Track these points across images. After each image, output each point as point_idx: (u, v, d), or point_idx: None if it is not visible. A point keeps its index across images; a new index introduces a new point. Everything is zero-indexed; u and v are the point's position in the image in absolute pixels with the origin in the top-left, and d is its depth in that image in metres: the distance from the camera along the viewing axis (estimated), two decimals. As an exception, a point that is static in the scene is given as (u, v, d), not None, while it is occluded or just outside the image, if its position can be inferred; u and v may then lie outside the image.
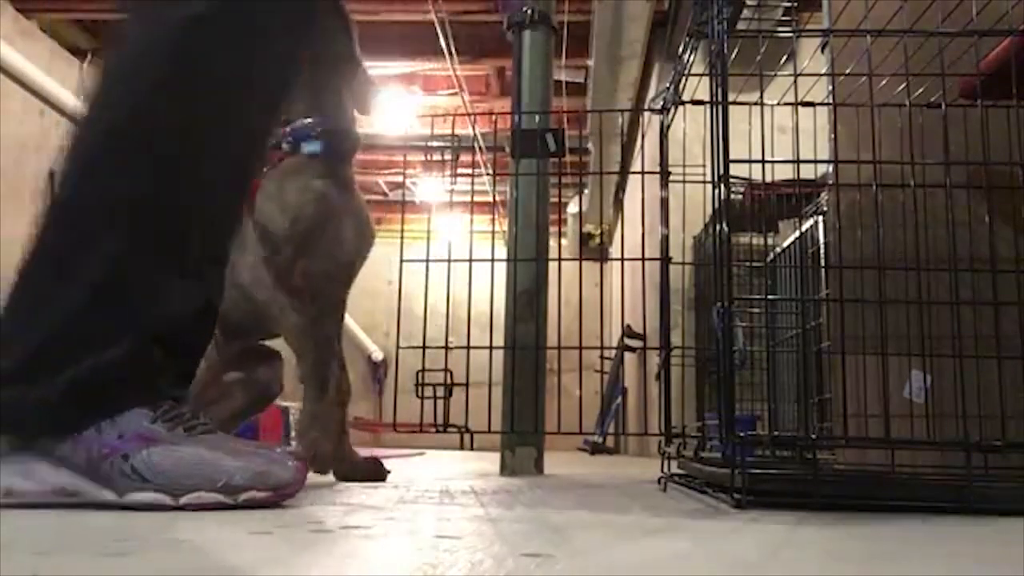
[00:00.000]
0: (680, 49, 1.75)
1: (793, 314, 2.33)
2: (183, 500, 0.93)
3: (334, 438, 1.69)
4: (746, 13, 2.57)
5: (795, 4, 1.71)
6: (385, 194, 9.75)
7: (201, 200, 1.07)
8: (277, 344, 1.87)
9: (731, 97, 1.26)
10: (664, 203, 2.04)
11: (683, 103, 1.86)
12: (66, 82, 6.09)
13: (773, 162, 1.31)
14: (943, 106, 1.41)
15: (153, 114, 1.07)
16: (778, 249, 2.69)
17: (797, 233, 2.49)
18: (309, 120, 1.71)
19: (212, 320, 1.08)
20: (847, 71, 1.58)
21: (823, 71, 1.69)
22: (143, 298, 1.00)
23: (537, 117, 2.47)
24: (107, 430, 0.94)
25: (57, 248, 1.05)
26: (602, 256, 9.10)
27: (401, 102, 7.12)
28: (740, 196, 2.62)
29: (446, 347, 2.03)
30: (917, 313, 1.42)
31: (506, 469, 2.38)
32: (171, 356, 1.01)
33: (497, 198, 2.49)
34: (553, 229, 2.60)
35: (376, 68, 6.80)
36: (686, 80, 1.79)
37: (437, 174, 2.23)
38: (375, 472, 1.75)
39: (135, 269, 1.01)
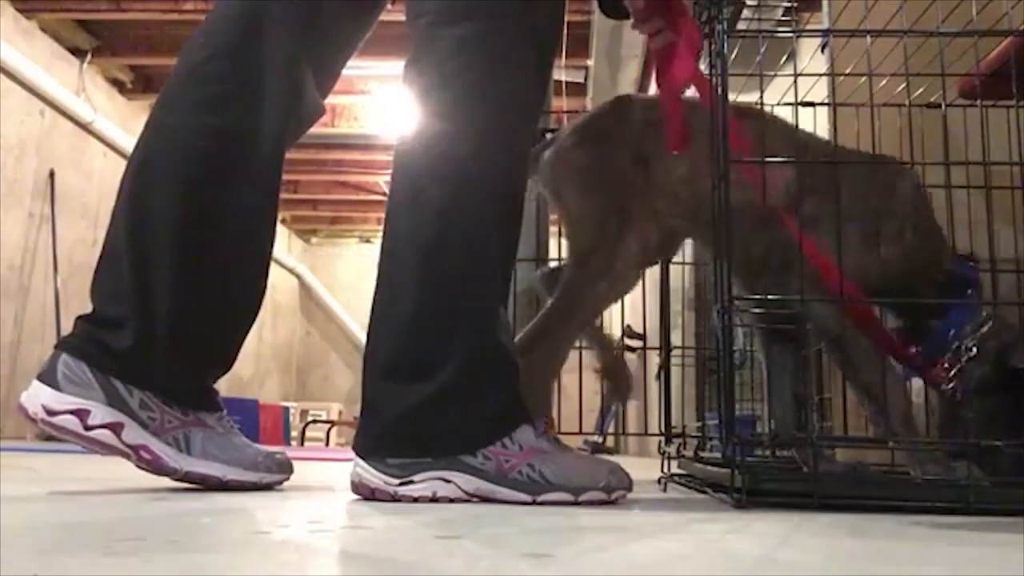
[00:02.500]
0: (680, 49, 1.74)
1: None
2: (582, 497, 1.11)
3: None
4: (746, 13, 2.56)
5: (795, 4, 1.71)
6: (385, 194, 9.76)
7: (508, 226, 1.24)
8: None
9: (731, 97, 1.26)
10: (664, 203, 2.04)
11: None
12: (66, 82, 6.10)
13: (773, 162, 1.31)
14: (943, 106, 1.41)
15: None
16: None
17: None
18: None
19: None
20: (847, 71, 1.58)
21: (823, 71, 1.69)
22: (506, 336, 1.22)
23: (537, 117, 2.47)
24: (510, 445, 1.14)
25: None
26: (602, 256, 9.09)
27: (401, 102, 7.11)
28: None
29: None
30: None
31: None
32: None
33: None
34: (553, 229, 2.60)
35: (376, 68, 6.81)
36: (686, 80, 1.79)
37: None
38: None
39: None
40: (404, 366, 1.16)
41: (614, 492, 1.13)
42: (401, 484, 1.13)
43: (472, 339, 1.16)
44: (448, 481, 1.13)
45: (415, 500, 1.12)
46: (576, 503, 1.11)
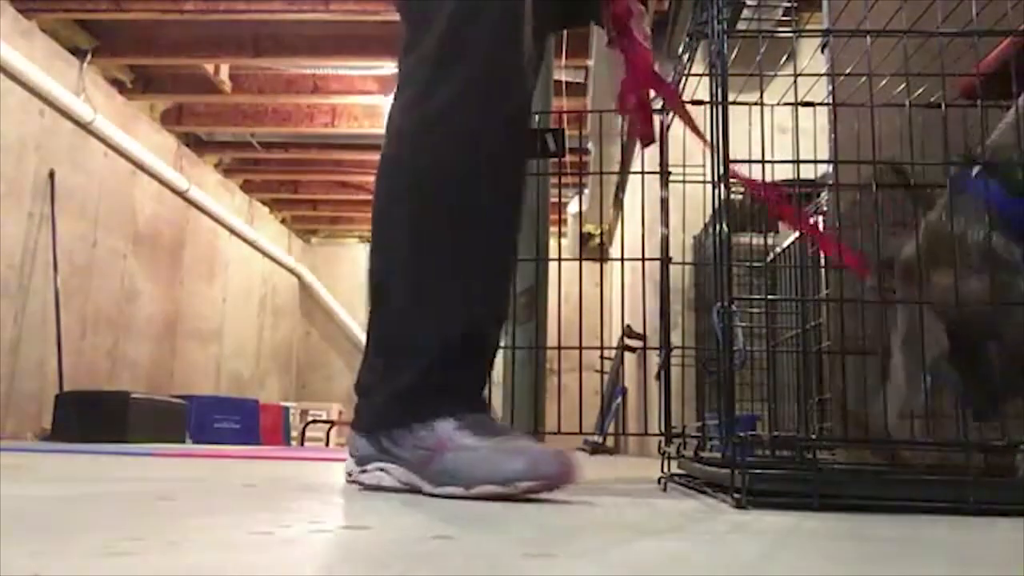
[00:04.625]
0: (680, 49, 1.75)
1: (793, 314, 2.34)
2: (473, 491, 1.13)
3: None
4: (746, 13, 2.57)
5: (795, 4, 1.71)
6: (385, 194, 9.74)
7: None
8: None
9: (731, 97, 1.26)
10: (664, 203, 2.04)
11: (683, 103, 1.86)
12: (66, 82, 6.10)
13: (773, 162, 1.31)
14: (943, 106, 1.41)
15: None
16: (778, 249, 2.69)
17: (797, 233, 2.49)
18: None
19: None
20: (847, 71, 1.58)
21: (823, 71, 1.69)
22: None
23: (537, 117, 2.47)
24: (428, 437, 1.20)
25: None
26: (602, 256, 9.10)
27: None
28: (740, 196, 2.62)
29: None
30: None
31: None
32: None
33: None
34: (553, 229, 2.60)
35: (377, 68, 6.81)
36: (686, 80, 1.79)
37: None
38: None
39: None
40: (366, 355, 1.33)
41: (512, 484, 1.11)
42: (361, 472, 1.28)
43: (390, 333, 1.29)
44: (389, 472, 1.24)
45: (365, 487, 1.28)
46: (467, 496, 1.13)
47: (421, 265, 1.29)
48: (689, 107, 1.84)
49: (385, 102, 7.20)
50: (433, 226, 1.29)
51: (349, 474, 1.32)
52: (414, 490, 1.21)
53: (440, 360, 1.25)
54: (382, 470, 1.26)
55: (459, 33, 1.29)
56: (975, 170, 1.34)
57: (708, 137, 1.28)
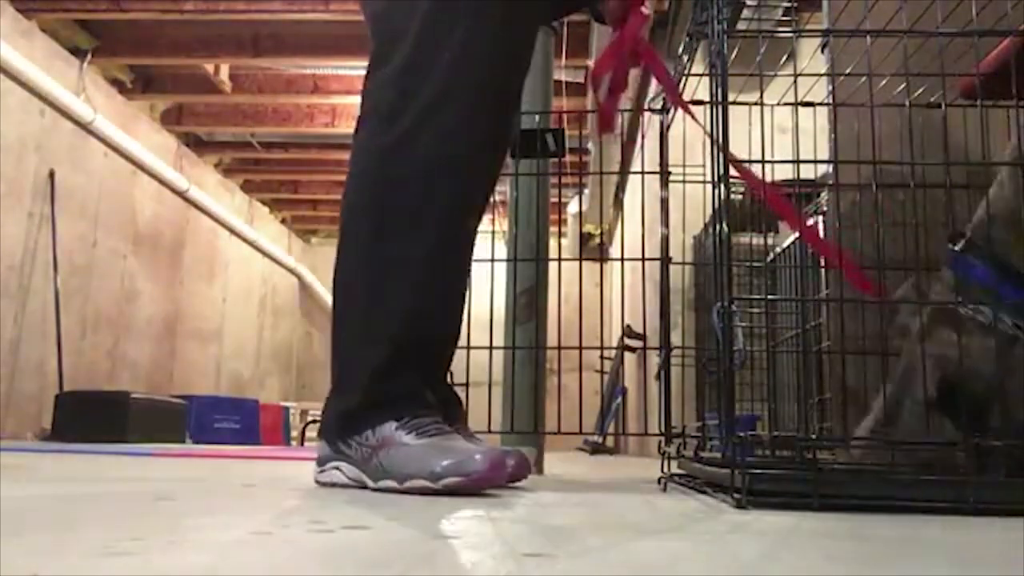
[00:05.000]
0: (680, 49, 1.75)
1: (793, 314, 2.34)
2: (405, 484, 1.22)
3: None
4: (746, 13, 2.57)
5: (795, 4, 1.71)
6: (385, 194, 9.74)
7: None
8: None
9: (731, 97, 1.26)
10: (664, 203, 2.04)
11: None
12: (66, 82, 6.10)
13: (773, 162, 1.31)
14: (943, 106, 1.41)
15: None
16: (778, 249, 2.69)
17: (797, 233, 2.49)
18: None
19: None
20: (847, 71, 1.58)
21: (823, 71, 1.69)
22: None
23: (537, 117, 2.47)
24: (371, 437, 1.29)
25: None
26: (602, 256, 9.10)
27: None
28: (740, 196, 2.62)
29: (446, 347, 2.03)
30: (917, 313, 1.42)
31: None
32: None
33: (497, 198, 2.49)
34: (553, 229, 2.60)
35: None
36: (686, 80, 1.79)
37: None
38: None
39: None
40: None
41: (441, 480, 1.19)
42: (320, 472, 1.39)
43: (346, 345, 1.39)
44: (341, 470, 1.33)
45: (322, 484, 1.37)
46: (400, 490, 1.22)
47: (373, 276, 1.38)
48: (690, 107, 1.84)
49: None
50: (387, 238, 1.37)
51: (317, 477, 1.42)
52: (362, 486, 1.30)
53: (385, 373, 1.33)
54: (336, 468, 1.36)
55: (428, 53, 1.35)
56: (959, 246, 1.38)
57: (703, 121, 1.29)
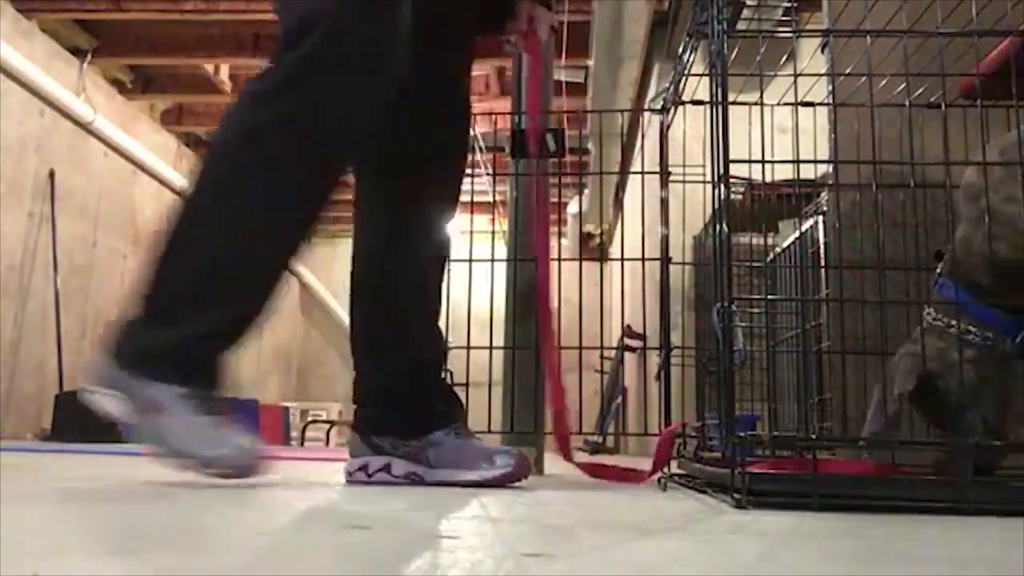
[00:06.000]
0: (680, 49, 1.75)
1: (793, 314, 2.34)
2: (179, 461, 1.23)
3: None
4: (746, 13, 2.57)
5: (795, 4, 1.71)
6: (385, 194, 9.74)
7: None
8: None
9: (731, 97, 1.26)
10: (664, 203, 2.04)
11: (683, 103, 1.86)
12: (66, 82, 6.10)
13: (773, 162, 1.31)
14: (943, 106, 1.41)
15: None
16: (778, 249, 2.69)
17: (797, 233, 2.49)
18: None
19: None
20: (847, 71, 1.58)
21: (823, 71, 1.69)
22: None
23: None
24: (157, 394, 1.24)
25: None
26: (602, 256, 9.10)
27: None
28: (740, 196, 2.62)
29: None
30: (917, 313, 1.42)
31: (506, 469, 2.38)
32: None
33: (497, 198, 2.49)
34: (553, 229, 2.60)
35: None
36: (686, 80, 1.79)
37: (437, 174, 2.23)
38: None
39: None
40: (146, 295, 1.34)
41: (212, 467, 1.22)
42: (91, 393, 1.31)
43: (191, 283, 1.29)
44: (117, 399, 1.26)
45: (87, 401, 1.31)
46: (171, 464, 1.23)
47: (229, 237, 1.30)
48: (690, 107, 1.84)
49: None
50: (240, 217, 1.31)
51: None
52: (129, 423, 1.26)
53: (218, 336, 1.29)
54: (111, 396, 1.27)
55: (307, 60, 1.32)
56: (939, 268, 1.40)
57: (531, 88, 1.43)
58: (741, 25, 2.38)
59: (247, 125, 1.35)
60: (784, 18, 1.89)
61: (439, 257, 1.65)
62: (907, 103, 1.36)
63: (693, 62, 1.71)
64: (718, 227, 1.28)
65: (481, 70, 6.76)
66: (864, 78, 1.38)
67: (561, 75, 5.88)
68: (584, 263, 2.50)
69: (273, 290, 1.34)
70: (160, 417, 1.23)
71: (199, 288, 1.29)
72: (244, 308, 1.32)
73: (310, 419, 8.95)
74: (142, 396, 1.24)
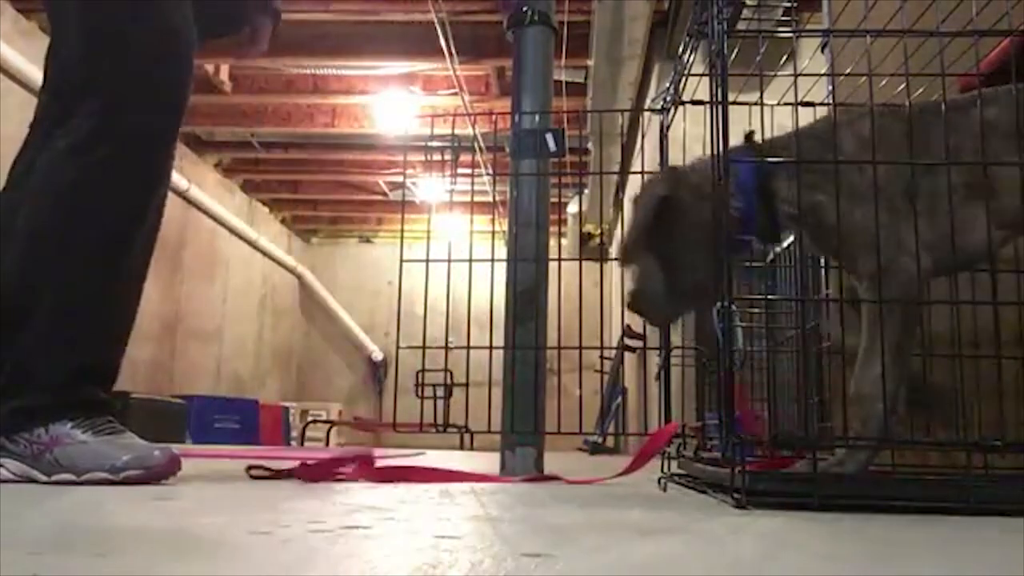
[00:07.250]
0: (680, 49, 1.75)
1: (793, 314, 2.33)
2: (84, 477, 1.28)
3: None
4: (746, 13, 2.57)
5: (795, 4, 1.71)
6: (385, 194, 9.75)
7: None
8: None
9: (731, 97, 1.26)
10: (664, 203, 2.04)
11: (683, 103, 1.86)
12: (66, 82, 6.09)
13: (773, 162, 1.31)
14: (943, 106, 1.41)
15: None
16: (778, 249, 2.69)
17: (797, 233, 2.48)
18: None
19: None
20: (847, 71, 1.58)
21: (823, 71, 1.69)
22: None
23: (537, 117, 2.47)
24: (43, 435, 1.33)
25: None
26: (602, 256, 9.09)
27: (401, 102, 7.12)
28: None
29: (446, 347, 2.03)
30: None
31: (506, 469, 2.38)
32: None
33: (497, 198, 2.49)
34: (553, 229, 2.60)
35: (376, 68, 6.81)
36: (686, 80, 1.79)
37: (437, 174, 2.23)
38: None
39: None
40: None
41: (122, 473, 1.28)
42: None
43: (21, 348, 1.38)
44: (4, 466, 1.34)
45: None
46: (79, 482, 1.28)
47: (67, 298, 1.41)
48: (690, 107, 1.84)
49: (384, 102, 7.20)
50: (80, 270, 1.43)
51: None
52: (31, 480, 1.32)
53: (66, 386, 1.37)
54: (1, 466, 1.35)
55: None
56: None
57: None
58: (741, 25, 2.38)
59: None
60: (784, 18, 1.90)
61: None
62: (907, 103, 1.35)
63: (693, 62, 1.71)
64: (718, 227, 1.27)
65: (481, 70, 6.76)
66: (864, 78, 1.38)
67: (561, 75, 5.87)
68: (584, 263, 2.50)
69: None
70: (57, 448, 1.31)
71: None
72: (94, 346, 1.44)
73: (310, 419, 8.96)
74: (32, 442, 1.33)
